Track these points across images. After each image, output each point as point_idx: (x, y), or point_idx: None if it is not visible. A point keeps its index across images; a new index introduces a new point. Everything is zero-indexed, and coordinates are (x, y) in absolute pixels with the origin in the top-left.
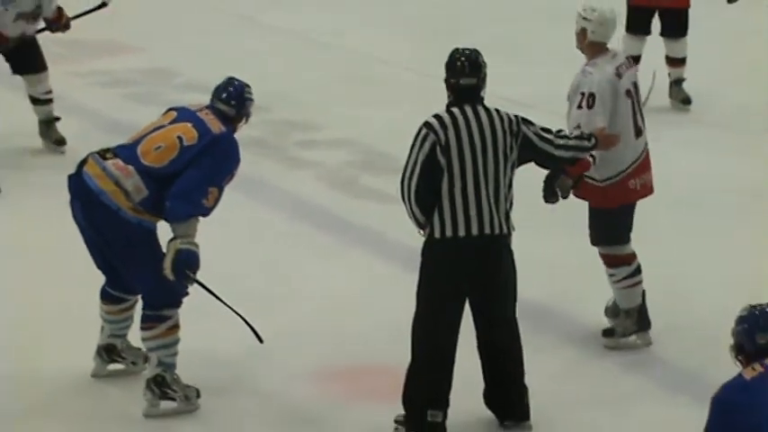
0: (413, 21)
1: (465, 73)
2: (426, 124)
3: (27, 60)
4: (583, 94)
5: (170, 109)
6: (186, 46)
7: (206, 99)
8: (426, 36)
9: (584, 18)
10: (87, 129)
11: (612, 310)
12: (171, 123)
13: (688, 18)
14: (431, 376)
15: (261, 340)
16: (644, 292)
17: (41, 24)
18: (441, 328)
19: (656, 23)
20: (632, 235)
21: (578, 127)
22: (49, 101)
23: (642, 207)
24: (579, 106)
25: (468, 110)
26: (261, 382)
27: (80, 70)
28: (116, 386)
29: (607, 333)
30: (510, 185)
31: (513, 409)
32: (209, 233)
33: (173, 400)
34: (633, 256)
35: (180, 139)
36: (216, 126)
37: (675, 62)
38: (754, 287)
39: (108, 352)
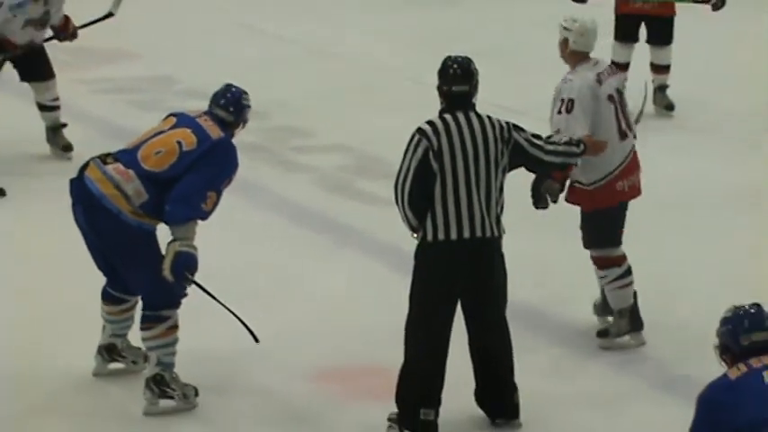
0: (406, 31)
1: (457, 80)
2: (419, 130)
3: (35, 68)
4: (563, 100)
5: (169, 115)
6: (187, 54)
7: (205, 105)
8: (419, 45)
9: (566, 28)
10: (91, 134)
11: (600, 308)
12: (170, 129)
13: (673, 26)
14: (423, 376)
15: (257, 340)
16: (635, 293)
17: (49, 33)
18: (433, 329)
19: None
20: (628, 239)
21: (558, 131)
22: (57, 107)
23: (630, 209)
24: (559, 111)
25: (461, 116)
26: (258, 380)
27: (85, 77)
28: (117, 385)
29: (601, 334)
30: (501, 190)
31: (504, 407)
32: (207, 236)
33: (171, 398)
34: (624, 257)
35: (179, 144)
36: (215, 132)
37: (660, 69)
38: (743, 287)
39: (109, 351)
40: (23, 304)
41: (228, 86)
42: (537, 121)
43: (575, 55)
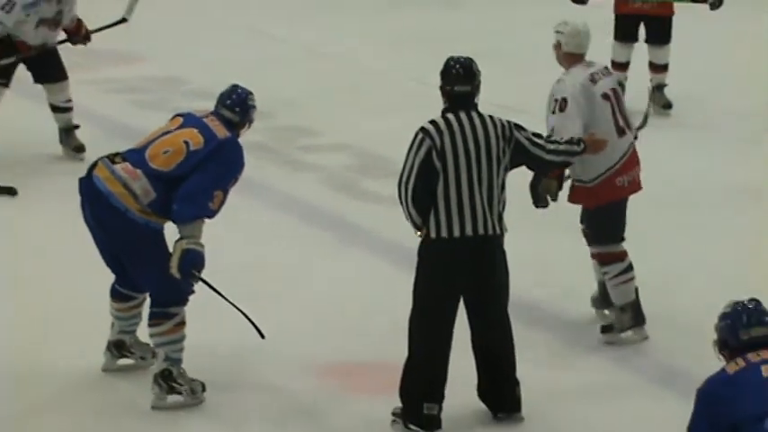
0: (409, 32)
1: (459, 80)
2: (422, 129)
3: (48, 69)
4: (556, 100)
5: (176, 115)
6: (194, 56)
7: (212, 106)
8: (421, 46)
9: (558, 32)
10: (100, 134)
11: (597, 301)
12: (178, 129)
13: (671, 26)
14: (427, 371)
15: (263, 336)
16: (637, 289)
17: (62, 36)
18: (436, 325)
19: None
20: (627, 232)
21: (553, 130)
22: (69, 109)
23: (629, 206)
24: (553, 111)
25: (463, 116)
26: (264, 376)
27: (94, 78)
28: (125, 380)
29: (605, 329)
30: (503, 188)
31: (505, 401)
32: (214, 234)
33: (179, 393)
34: (625, 253)
35: (186, 143)
36: (221, 131)
37: (658, 68)
38: (742, 284)
39: (118, 347)
40: (33, 301)
41: (234, 87)
42: (538, 120)
43: (568, 57)
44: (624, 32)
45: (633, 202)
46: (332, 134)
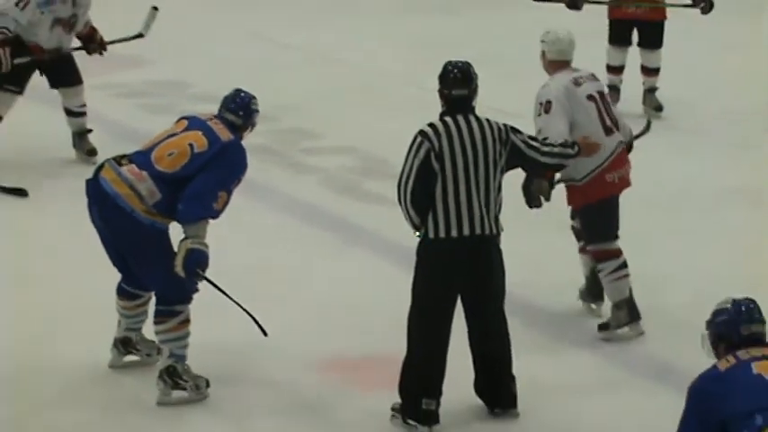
0: (410, 38)
1: (457, 84)
2: (421, 132)
3: (64, 74)
4: (541, 104)
5: (181, 118)
6: (198, 60)
7: (216, 109)
8: (421, 51)
9: (542, 41)
10: (108, 137)
11: (584, 294)
12: (183, 131)
13: (663, 30)
14: (425, 367)
15: (265, 333)
16: (630, 288)
17: (77, 43)
18: (434, 322)
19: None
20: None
21: (540, 132)
22: (83, 114)
23: (621, 207)
24: (539, 114)
25: (461, 119)
26: (266, 372)
27: (101, 83)
28: (131, 376)
29: (602, 327)
30: (499, 189)
31: (502, 397)
32: (218, 234)
33: (184, 389)
34: (620, 251)
35: (191, 146)
36: (225, 134)
37: (650, 72)
38: (733, 283)
39: (124, 344)
40: (42, 299)
41: (238, 91)
42: (533, 123)
43: (553, 64)
44: (618, 37)
45: (625, 203)
46: (334, 137)
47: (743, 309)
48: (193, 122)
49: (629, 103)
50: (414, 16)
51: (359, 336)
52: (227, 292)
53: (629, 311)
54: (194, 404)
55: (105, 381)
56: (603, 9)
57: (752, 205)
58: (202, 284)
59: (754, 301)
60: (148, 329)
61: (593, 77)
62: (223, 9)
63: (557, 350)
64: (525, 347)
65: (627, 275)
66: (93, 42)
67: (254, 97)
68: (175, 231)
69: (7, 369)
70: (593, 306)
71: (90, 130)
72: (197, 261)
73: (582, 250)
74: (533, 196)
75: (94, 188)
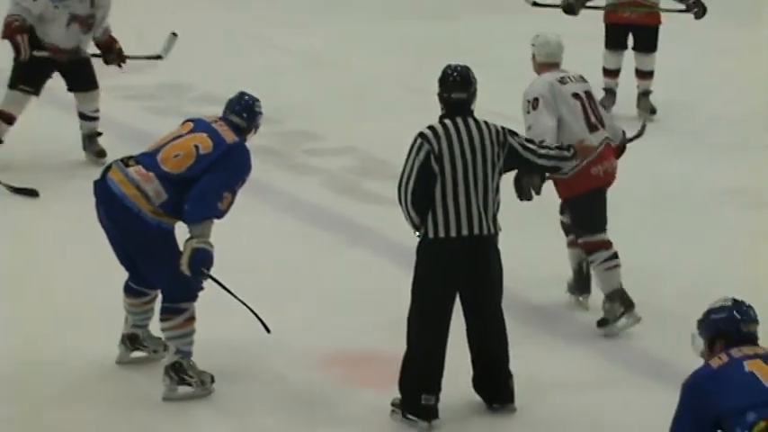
0: (409, 42)
1: (456, 88)
2: (421, 135)
3: (81, 78)
4: (528, 101)
5: (187, 120)
6: (202, 63)
7: (220, 111)
8: (421, 56)
9: (532, 44)
10: (117, 139)
11: (572, 287)
12: (188, 133)
13: (658, 34)
14: (425, 364)
15: (268, 330)
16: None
17: (95, 49)
18: (434, 320)
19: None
20: (615, 233)
21: (529, 129)
22: (96, 118)
23: (615, 207)
24: (528, 111)
25: (460, 122)
26: (270, 368)
27: (107, 86)
28: (138, 372)
29: (601, 323)
30: (497, 190)
31: (500, 393)
32: (223, 233)
33: (189, 384)
34: (609, 242)
35: (197, 147)
36: (229, 136)
37: (644, 75)
38: (726, 281)
39: (131, 341)
40: (51, 296)
41: (242, 94)
42: None
43: (542, 66)
44: (614, 41)
45: (621, 202)
46: (335, 138)
47: (743, 308)
48: (199, 125)
49: (624, 106)
50: (413, 21)
51: (360, 333)
52: (232, 290)
53: (621, 301)
54: (199, 399)
55: (113, 376)
56: (600, 14)
57: (746, 206)
58: (207, 283)
59: (747, 304)
60: (155, 326)
61: (581, 79)
62: (228, 15)
63: (553, 347)
64: (522, 345)
65: (618, 266)
66: (111, 53)
67: (257, 100)
68: (181, 231)
69: (16, 365)
70: (581, 299)
71: (100, 134)
72: (202, 260)
73: (570, 244)
74: (524, 190)
75: (102, 189)
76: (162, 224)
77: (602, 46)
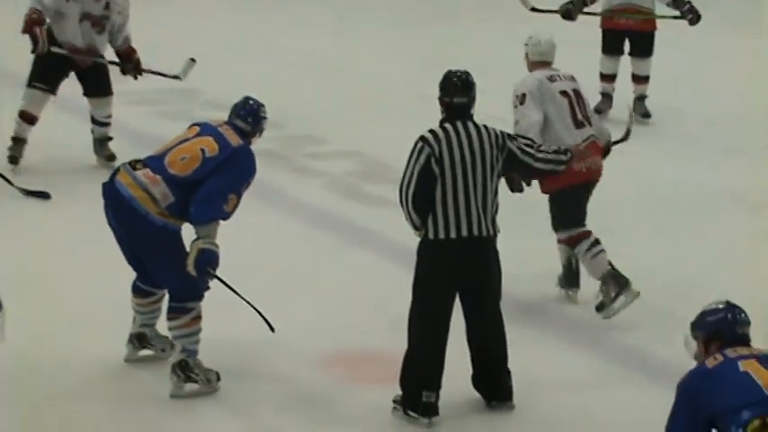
0: (409, 49)
1: (458, 92)
2: (422, 138)
3: (96, 84)
4: (517, 96)
5: (193, 124)
6: (209, 69)
7: (226, 116)
8: (421, 61)
9: (525, 44)
10: (125, 143)
11: (562, 281)
12: (195, 137)
13: (654, 40)
14: (425, 362)
15: (272, 329)
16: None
17: (114, 57)
18: (434, 319)
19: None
20: (611, 236)
21: (517, 123)
22: (108, 124)
23: (611, 209)
24: (515, 106)
25: (460, 125)
26: (274, 366)
27: (116, 90)
28: (146, 370)
29: (599, 308)
30: (496, 192)
31: (498, 390)
32: (228, 235)
33: (195, 382)
34: (589, 232)
35: (203, 151)
36: (234, 140)
37: (640, 80)
38: (720, 282)
39: (139, 339)
40: (61, 296)
41: (247, 99)
42: None
43: (534, 65)
44: (610, 46)
45: (616, 206)
46: (337, 142)
47: (736, 310)
48: (205, 128)
49: (621, 110)
50: (413, 29)
51: (362, 332)
52: (237, 290)
53: (615, 282)
54: (205, 397)
55: (121, 374)
56: (597, 19)
57: (740, 208)
58: (213, 282)
59: (739, 306)
60: (162, 325)
61: (572, 78)
62: (233, 22)
63: (550, 346)
64: (520, 343)
65: (602, 251)
66: (129, 62)
67: (262, 105)
68: (188, 232)
69: (26, 363)
70: (570, 293)
71: (111, 138)
72: (208, 260)
73: (560, 240)
74: (515, 182)
75: (111, 191)
76: (169, 225)
77: (600, 51)
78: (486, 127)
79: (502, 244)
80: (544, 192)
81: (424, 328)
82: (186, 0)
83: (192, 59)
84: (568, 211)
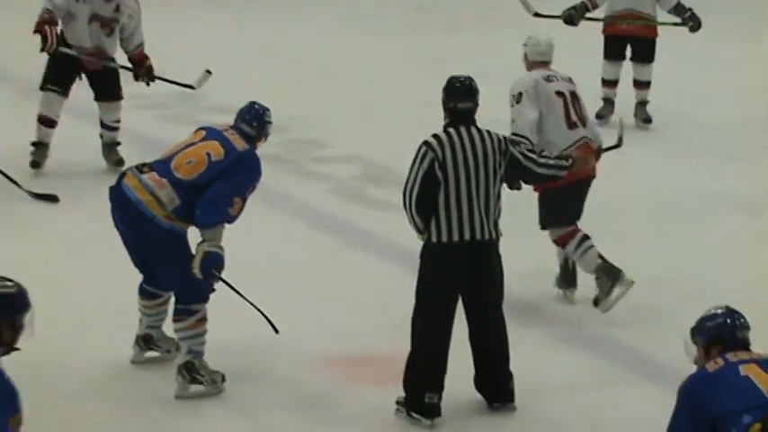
0: (411, 55)
1: (462, 97)
2: (426, 143)
3: (107, 88)
4: (513, 95)
5: (199, 128)
6: (215, 74)
7: (231, 120)
8: (423, 67)
9: (524, 44)
10: (132, 147)
11: (560, 281)
12: (200, 141)
13: (655, 46)
14: (428, 364)
15: (277, 331)
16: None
17: (127, 62)
18: (437, 322)
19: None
20: (613, 240)
21: (513, 122)
22: (117, 128)
23: (614, 213)
24: (512, 105)
25: (463, 130)
26: (278, 367)
27: (124, 95)
28: (152, 371)
29: (596, 302)
30: (498, 197)
31: (500, 392)
32: (233, 237)
33: (201, 383)
34: (578, 228)
35: (208, 155)
36: (240, 144)
37: (641, 85)
38: (719, 284)
39: (145, 341)
40: (69, 298)
41: (252, 104)
42: None
43: (533, 65)
44: (612, 52)
45: (619, 210)
46: (342, 147)
47: (736, 315)
48: (211, 133)
49: (623, 115)
50: (415, 35)
51: (364, 333)
52: (242, 292)
53: (608, 274)
54: (211, 397)
55: (127, 375)
56: (599, 25)
57: (741, 211)
58: (218, 285)
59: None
60: (168, 327)
61: (569, 80)
62: (238, 27)
63: (552, 348)
64: (522, 346)
65: (591, 246)
66: (142, 68)
67: (267, 109)
68: (194, 235)
69: (33, 363)
70: (567, 293)
71: (119, 143)
72: (213, 263)
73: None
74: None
75: (118, 195)
76: (175, 228)
77: (602, 57)
78: (489, 132)
79: (502, 244)
80: (536, 190)
81: (427, 330)
82: (190, 6)
83: (209, 71)
84: (559, 209)
